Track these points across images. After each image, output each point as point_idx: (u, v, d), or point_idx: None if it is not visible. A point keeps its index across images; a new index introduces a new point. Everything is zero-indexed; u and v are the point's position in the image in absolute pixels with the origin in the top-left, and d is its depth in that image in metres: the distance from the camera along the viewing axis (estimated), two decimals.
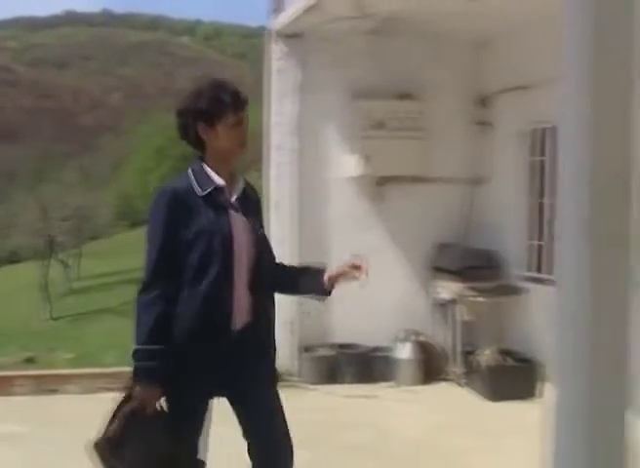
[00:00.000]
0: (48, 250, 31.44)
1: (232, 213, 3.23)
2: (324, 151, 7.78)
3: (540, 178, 7.65)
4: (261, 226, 3.43)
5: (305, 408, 6.34)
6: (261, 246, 3.32)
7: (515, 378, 6.98)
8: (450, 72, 7.97)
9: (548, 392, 7.37)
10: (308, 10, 6.84)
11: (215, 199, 3.21)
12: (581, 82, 3.26)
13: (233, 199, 3.28)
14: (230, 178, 3.31)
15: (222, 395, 3.28)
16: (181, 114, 3.31)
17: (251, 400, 3.28)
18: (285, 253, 6.63)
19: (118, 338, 24.04)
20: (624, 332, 3.26)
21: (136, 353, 3.08)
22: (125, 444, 3.05)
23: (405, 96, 7.77)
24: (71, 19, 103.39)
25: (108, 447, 3.07)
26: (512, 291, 7.49)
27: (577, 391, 3.09)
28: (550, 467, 3.11)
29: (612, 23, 3.07)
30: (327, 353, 7.59)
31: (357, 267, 3.38)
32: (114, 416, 3.10)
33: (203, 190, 3.20)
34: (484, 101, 8.01)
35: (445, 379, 7.65)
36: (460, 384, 7.44)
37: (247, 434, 3.32)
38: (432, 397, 7.27)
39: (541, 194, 7.67)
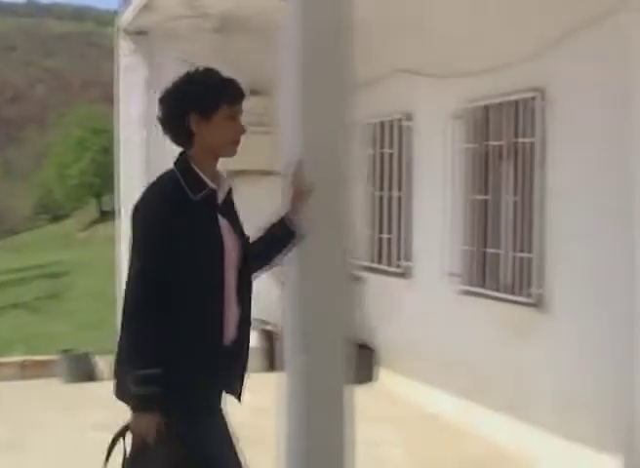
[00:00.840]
0: None
1: (220, 219, 2.90)
2: (172, 146, 7.94)
3: (381, 172, 7.96)
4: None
5: None
6: (246, 253, 3.00)
7: (351, 363, 7.25)
8: None
9: (382, 376, 7.70)
10: (144, 8, 7.01)
11: (206, 204, 2.85)
12: (297, 92, 3.53)
13: (220, 202, 2.93)
14: (216, 178, 2.94)
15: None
16: (169, 101, 2.92)
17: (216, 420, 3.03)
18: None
19: (27, 333, 23.85)
20: (339, 317, 3.55)
21: (136, 379, 2.66)
22: None
23: (251, 92, 7.96)
24: None
25: None
26: (351, 279, 7.75)
27: (301, 366, 3.38)
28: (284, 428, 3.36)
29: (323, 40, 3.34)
30: None
31: (298, 177, 3.27)
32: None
33: (196, 194, 2.82)
34: None
35: None
36: None
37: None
38: (275, 384, 7.50)
39: (381, 187, 7.98)
